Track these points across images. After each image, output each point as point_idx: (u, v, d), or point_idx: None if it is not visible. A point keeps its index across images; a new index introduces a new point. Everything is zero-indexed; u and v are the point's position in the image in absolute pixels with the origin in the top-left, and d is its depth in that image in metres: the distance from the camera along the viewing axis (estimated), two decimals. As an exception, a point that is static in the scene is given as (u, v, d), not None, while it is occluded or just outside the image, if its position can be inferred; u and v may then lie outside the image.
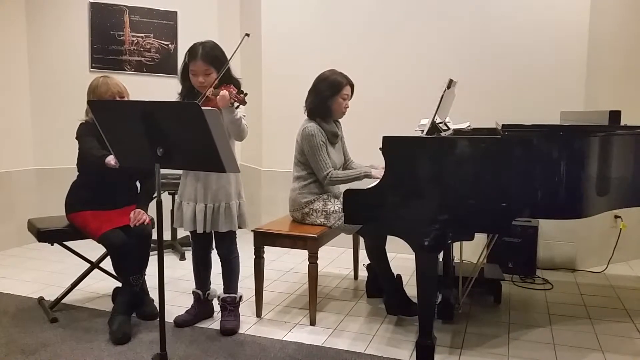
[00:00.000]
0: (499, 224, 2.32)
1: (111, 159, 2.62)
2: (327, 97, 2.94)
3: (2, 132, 4.22)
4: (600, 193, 2.42)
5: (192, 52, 2.56)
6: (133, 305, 2.79)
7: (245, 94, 2.43)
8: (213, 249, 2.82)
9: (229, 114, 2.46)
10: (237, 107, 2.46)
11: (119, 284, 2.88)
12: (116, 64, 4.62)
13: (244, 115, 2.57)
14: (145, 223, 2.77)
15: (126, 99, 2.88)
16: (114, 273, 2.94)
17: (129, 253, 2.71)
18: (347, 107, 3.03)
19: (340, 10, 4.25)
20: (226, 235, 2.70)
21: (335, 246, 3.67)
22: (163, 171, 2.15)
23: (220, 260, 2.78)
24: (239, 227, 2.71)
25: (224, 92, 2.40)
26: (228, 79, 2.56)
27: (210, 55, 2.54)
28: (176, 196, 2.77)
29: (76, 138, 2.86)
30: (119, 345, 2.53)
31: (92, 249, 2.98)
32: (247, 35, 2.48)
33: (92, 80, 2.88)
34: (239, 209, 2.70)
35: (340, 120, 3.16)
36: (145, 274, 2.85)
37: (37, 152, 4.47)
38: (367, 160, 3.22)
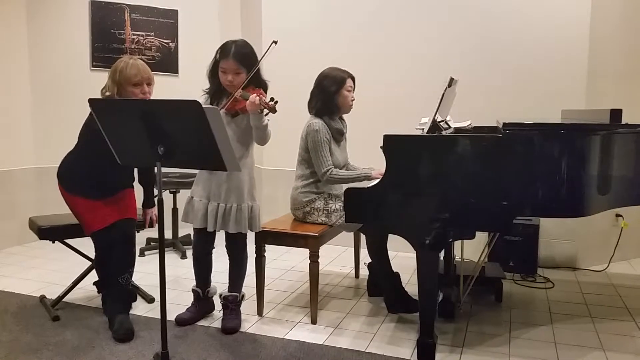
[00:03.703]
0: (499, 223, 2.32)
1: None
2: (333, 92, 2.96)
3: (2, 131, 4.22)
4: (601, 191, 2.41)
5: (225, 49, 2.55)
6: (128, 301, 2.80)
7: (276, 102, 2.40)
8: (214, 247, 2.82)
9: (256, 119, 2.47)
10: (267, 114, 2.44)
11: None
12: (117, 63, 4.61)
13: (269, 120, 2.55)
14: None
15: (152, 86, 2.71)
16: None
17: (115, 253, 2.70)
18: (354, 100, 3.05)
19: (340, 10, 4.25)
20: (236, 236, 2.70)
21: (336, 244, 3.67)
22: (163, 170, 2.15)
23: (229, 259, 2.78)
24: (250, 230, 2.71)
25: (254, 98, 2.39)
26: (257, 81, 2.56)
27: (242, 54, 2.53)
28: (189, 191, 2.76)
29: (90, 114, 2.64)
30: (121, 343, 2.53)
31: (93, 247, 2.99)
32: (275, 42, 2.43)
33: (119, 60, 2.67)
34: (251, 212, 2.68)
35: (345, 119, 3.16)
36: (132, 274, 2.79)
37: (38, 150, 4.47)
38: (366, 159, 3.22)
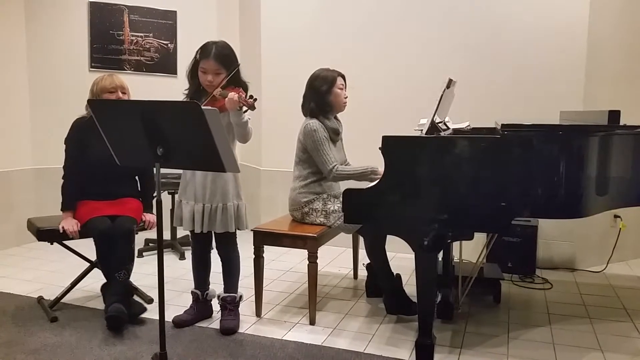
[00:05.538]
0: (498, 224, 2.32)
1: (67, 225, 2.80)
2: (325, 91, 2.97)
3: (1, 132, 4.21)
4: (600, 192, 2.42)
5: (205, 50, 2.57)
6: (126, 294, 2.80)
7: (255, 99, 2.43)
8: (213, 249, 2.82)
9: (236, 117, 2.49)
10: (245, 111, 2.47)
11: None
12: (115, 64, 4.61)
13: (249, 118, 2.58)
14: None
15: (127, 95, 2.95)
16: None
17: (114, 241, 2.74)
18: (347, 97, 3.06)
19: (340, 10, 4.25)
20: (224, 236, 2.70)
21: (335, 245, 3.67)
22: (162, 170, 2.15)
23: (221, 260, 2.79)
24: (237, 229, 2.71)
25: (232, 95, 2.41)
26: (237, 82, 2.58)
27: (222, 55, 2.56)
28: (177, 195, 2.79)
29: (65, 141, 2.94)
30: (114, 331, 2.55)
31: (92, 248, 2.97)
32: (238, 65, 2.61)
33: (95, 78, 2.94)
34: (237, 211, 2.69)
35: (340, 119, 3.17)
36: (130, 271, 2.82)
37: (36, 151, 4.46)
38: (365, 160, 3.22)
